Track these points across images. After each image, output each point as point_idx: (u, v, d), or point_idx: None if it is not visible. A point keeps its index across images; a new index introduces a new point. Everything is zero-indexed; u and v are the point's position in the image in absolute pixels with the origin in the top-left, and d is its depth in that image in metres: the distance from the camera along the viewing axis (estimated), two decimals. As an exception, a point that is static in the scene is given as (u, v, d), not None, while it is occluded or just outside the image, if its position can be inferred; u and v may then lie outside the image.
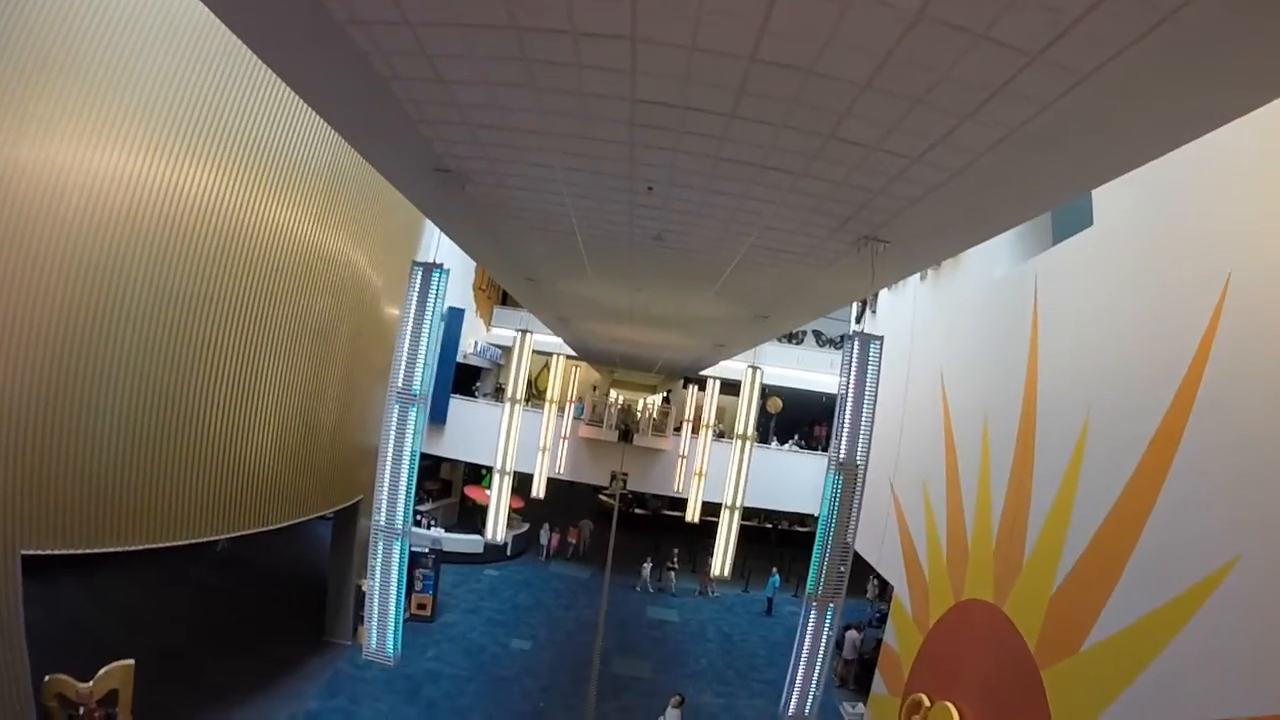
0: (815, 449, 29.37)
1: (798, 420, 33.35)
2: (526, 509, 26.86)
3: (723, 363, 21.48)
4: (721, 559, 12.05)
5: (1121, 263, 8.85)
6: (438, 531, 24.15)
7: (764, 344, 25.48)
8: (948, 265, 14.83)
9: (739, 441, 11.61)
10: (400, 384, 6.47)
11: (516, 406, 11.83)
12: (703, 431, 18.55)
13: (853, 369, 6.42)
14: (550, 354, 17.65)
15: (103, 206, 10.97)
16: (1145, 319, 8.20)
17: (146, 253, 11.59)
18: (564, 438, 23.74)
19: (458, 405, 25.90)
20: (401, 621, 7.12)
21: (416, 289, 6.45)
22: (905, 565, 14.44)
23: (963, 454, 12.57)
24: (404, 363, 6.44)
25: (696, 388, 23.91)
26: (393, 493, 6.58)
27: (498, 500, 12.42)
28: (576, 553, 28.54)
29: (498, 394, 29.99)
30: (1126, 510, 7.94)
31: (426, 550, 18.89)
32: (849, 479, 6.44)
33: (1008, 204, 5.50)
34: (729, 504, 11.69)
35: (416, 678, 15.89)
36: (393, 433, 6.51)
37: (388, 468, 6.59)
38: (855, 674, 18.70)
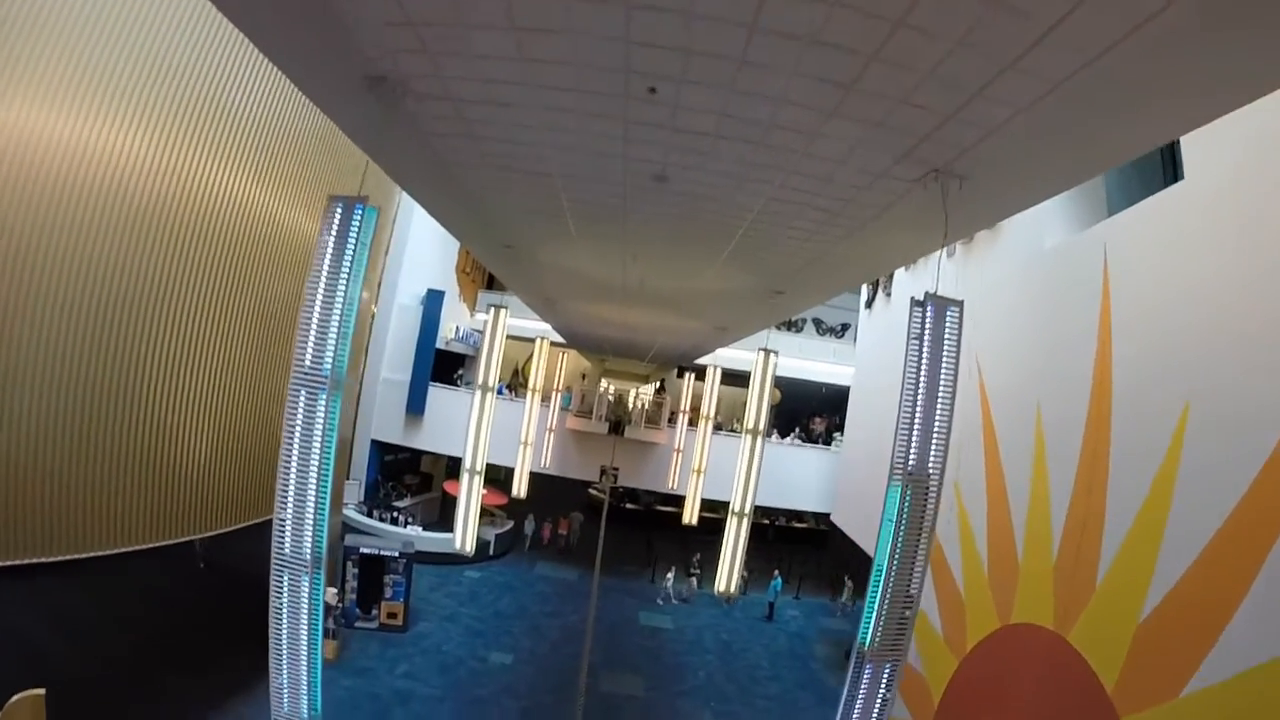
0: (815, 442, 27.79)
1: (796, 412, 31.81)
2: (511, 506, 25.25)
3: (721, 351, 19.90)
4: (729, 573, 10.38)
5: (1228, 219, 7.20)
6: (414, 530, 22.43)
7: (762, 331, 23.92)
8: (982, 237, 13.18)
9: (749, 437, 9.95)
10: (308, 361, 4.76)
11: (490, 396, 10.15)
12: (701, 424, 16.87)
13: (924, 345, 4.77)
14: (537, 340, 15.91)
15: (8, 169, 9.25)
16: (1266, 284, 6.56)
17: (67, 225, 9.87)
18: (550, 430, 22.05)
19: (438, 394, 24.21)
20: (319, 677, 5.45)
21: (333, 231, 4.72)
22: (933, 575, 12.83)
23: (1007, 448, 10.93)
24: (313, 333, 4.72)
25: (693, 376, 22.26)
26: (298, 510, 4.88)
27: (467, 504, 10.76)
28: (567, 545, 27.04)
29: (482, 383, 28.34)
30: (1250, 518, 6.31)
31: (396, 554, 17.15)
32: (919, 495, 4.81)
33: (1154, 113, 3.84)
34: (737, 510, 10.04)
35: (384, 698, 14.23)
36: (297, 430, 4.80)
37: (291, 477, 4.89)
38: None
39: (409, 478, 26.72)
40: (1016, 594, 10.10)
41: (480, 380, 10.04)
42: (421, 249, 25.33)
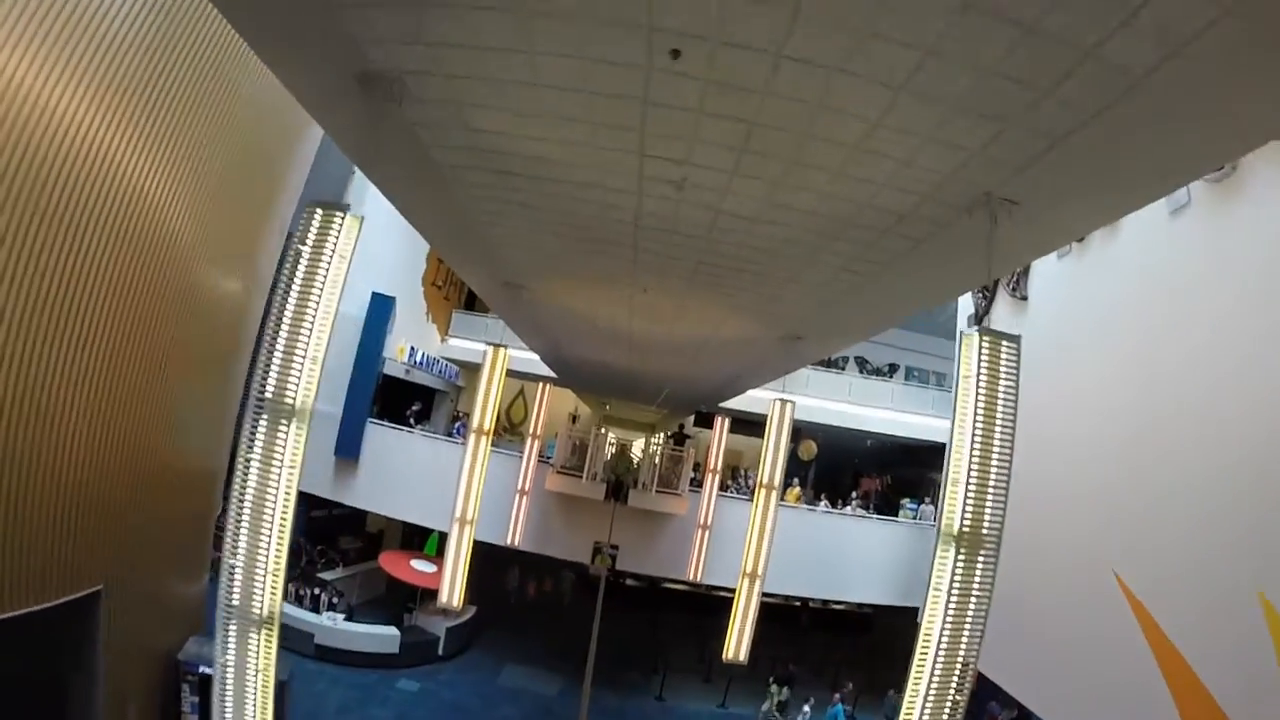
0: (867, 509, 21.56)
1: (834, 469, 25.98)
2: (484, 571, 19.25)
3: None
4: None
5: None
6: (329, 618, 16.14)
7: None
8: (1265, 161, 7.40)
9: (949, 544, 3.95)
10: None
11: (294, 428, 4.15)
12: (760, 496, 10.62)
13: None
14: (485, 351, 9.56)
15: None
16: None
17: None
18: (522, 492, 15.97)
19: (380, 435, 18.23)
20: None
21: None
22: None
23: None
24: None
25: (726, 422, 16.27)
26: None
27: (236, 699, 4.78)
28: (558, 601, 24.00)
29: (453, 423, 22.32)
30: None
31: None
32: None
33: None
34: (928, 696, 4.02)
35: None
36: None
37: None
38: None
39: (346, 541, 20.62)
40: None
41: (266, 388, 4.05)
42: (376, 243, 19.56)
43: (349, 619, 16.52)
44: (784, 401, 9.64)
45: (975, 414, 4.00)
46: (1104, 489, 9.68)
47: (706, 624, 21.88)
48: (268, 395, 4.07)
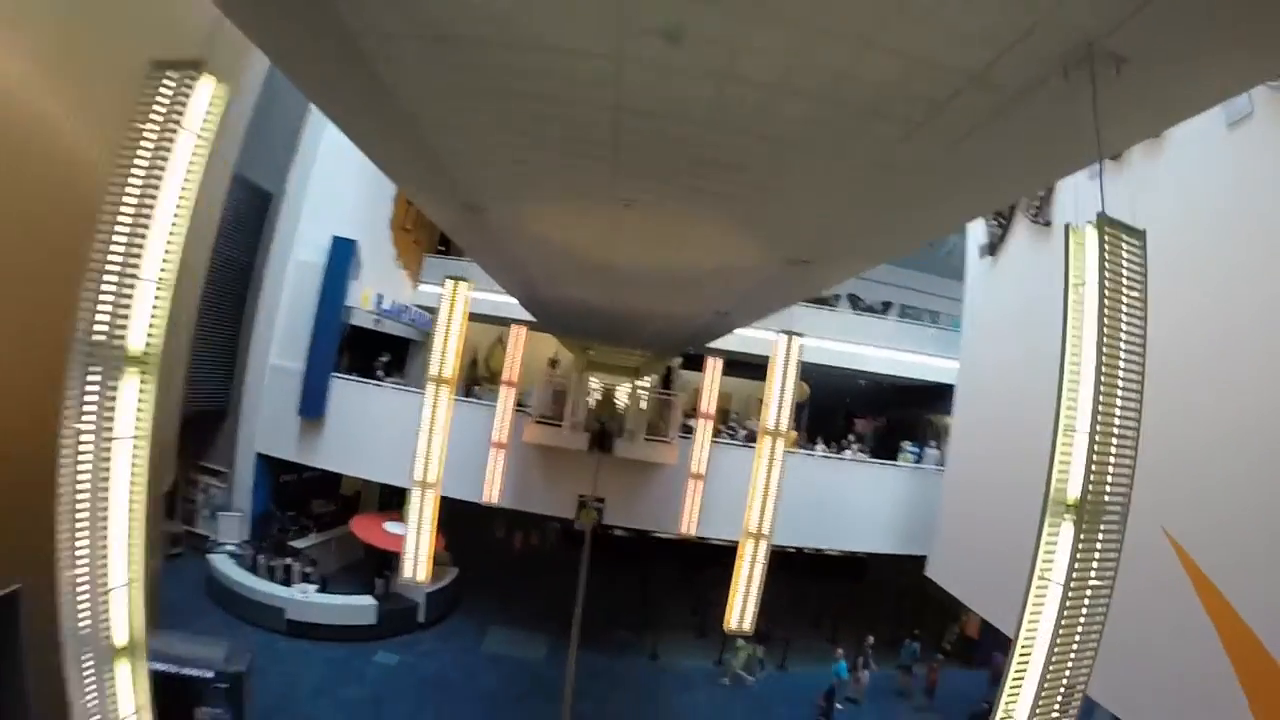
0: (864, 451, 20.64)
1: (826, 411, 25.09)
2: (467, 527, 18.30)
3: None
4: None
5: None
6: (300, 590, 15.11)
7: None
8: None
9: (1065, 519, 2.88)
10: None
11: (138, 381, 2.98)
12: (766, 445, 9.37)
13: None
14: (445, 285, 8.16)
15: None
16: None
17: None
18: (498, 445, 14.89)
19: (347, 390, 17.02)
20: None
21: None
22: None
23: None
24: None
25: (719, 363, 15.18)
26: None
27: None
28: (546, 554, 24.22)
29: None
30: None
31: (210, 675, 9.74)
32: None
33: None
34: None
35: None
36: None
37: None
38: None
39: (318, 505, 19.49)
40: None
41: (94, 327, 2.84)
42: (336, 185, 18.08)
43: (322, 590, 15.49)
44: (791, 335, 8.48)
45: (1101, 336, 2.83)
46: (1149, 434, 8.68)
47: (700, 575, 21.14)
48: (97, 337, 2.86)
